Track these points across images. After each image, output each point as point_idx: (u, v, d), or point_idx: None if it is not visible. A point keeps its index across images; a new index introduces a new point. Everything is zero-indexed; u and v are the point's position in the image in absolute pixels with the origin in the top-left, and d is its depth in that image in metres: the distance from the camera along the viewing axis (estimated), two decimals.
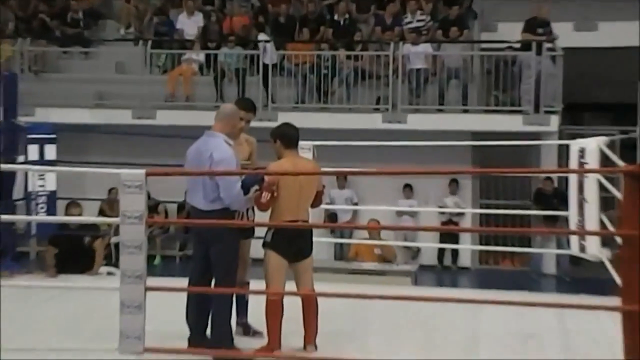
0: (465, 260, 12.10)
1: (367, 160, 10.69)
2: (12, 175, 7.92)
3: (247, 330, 5.33)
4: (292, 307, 4.93)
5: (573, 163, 6.30)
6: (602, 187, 5.89)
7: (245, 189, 4.80)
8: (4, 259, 7.53)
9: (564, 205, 6.88)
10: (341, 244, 11.34)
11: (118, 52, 13.13)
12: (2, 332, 4.63)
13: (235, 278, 4.92)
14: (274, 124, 5.35)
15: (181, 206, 11.93)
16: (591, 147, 6.01)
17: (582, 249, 6.19)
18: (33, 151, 8.18)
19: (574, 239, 6.46)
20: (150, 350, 4.18)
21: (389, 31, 12.36)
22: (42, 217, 8.08)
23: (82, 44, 13.37)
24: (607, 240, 6.16)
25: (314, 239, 5.07)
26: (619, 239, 3.51)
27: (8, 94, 8.17)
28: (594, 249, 6.04)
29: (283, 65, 12.09)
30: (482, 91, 11.72)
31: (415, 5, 12.33)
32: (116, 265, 7.09)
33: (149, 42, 12.26)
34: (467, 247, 11.79)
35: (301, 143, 5.39)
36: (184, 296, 5.00)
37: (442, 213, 11.95)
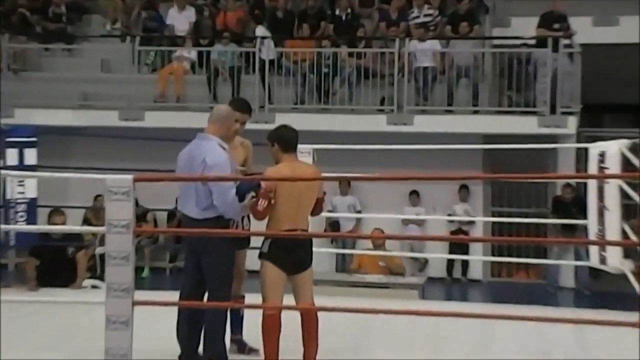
0: (476, 272, 12.09)
1: (371, 164, 10.72)
2: None
3: (242, 347, 5.32)
4: (291, 322, 4.92)
5: (592, 168, 6.29)
6: (623, 194, 5.89)
7: (241, 195, 4.80)
8: None
9: (583, 213, 6.87)
10: (343, 255, 11.33)
11: (104, 49, 13.12)
12: None
13: (230, 291, 4.91)
14: (271, 126, 5.35)
15: (171, 214, 11.93)
16: (612, 150, 6.00)
17: (603, 260, 6.18)
18: (12, 155, 8.16)
19: (593, 250, 6.44)
20: None
21: (394, 27, 12.37)
22: (22, 227, 8.06)
23: (65, 40, 13.39)
24: (629, 251, 6.15)
25: (314, 249, 5.06)
26: None
27: None
28: (615, 261, 6.03)
29: (281, 64, 12.10)
30: (494, 91, 11.73)
31: None
32: (101, 277, 7.07)
33: (137, 39, 12.27)
34: (478, 258, 11.77)
35: (300, 146, 5.39)
36: (174, 311, 4.99)
37: (451, 221, 11.94)
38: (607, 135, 9.79)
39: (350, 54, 11.89)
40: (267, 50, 11.80)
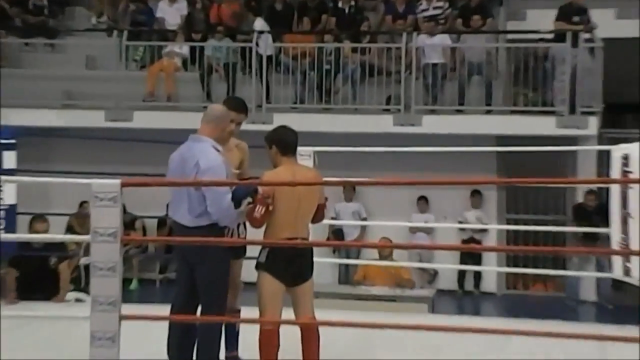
0: (489, 284, 12.08)
1: (376, 168, 10.71)
2: None
3: None
4: (290, 338, 4.91)
5: (615, 172, 6.29)
6: None
7: (237, 201, 4.80)
8: None
9: (607, 222, 6.86)
10: (347, 266, 11.32)
11: (89, 44, 13.14)
12: None
13: (225, 305, 4.91)
14: (269, 127, 5.36)
15: (162, 222, 11.93)
16: (636, 153, 6.00)
17: (626, 271, 6.17)
18: None
19: (616, 260, 6.44)
20: None
21: (400, 20, 12.39)
22: (0, 235, 8.06)
23: (47, 34, 13.40)
24: None
25: (315, 259, 5.07)
26: None
27: None
28: None
29: (280, 60, 12.10)
30: (509, 89, 11.73)
31: None
32: (86, 290, 7.08)
33: (125, 33, 12.28)
34: (491, 269, 11.76)
35: (300, 149, 5.39)
36: (165, 326, 4.99)
37: (463, 230, 11.94)
38: (630, 136, 9.76)
39: (354, 50, 11.90)
40: (265, 46, 11.81)
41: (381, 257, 9.61)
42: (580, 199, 11.40)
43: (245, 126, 5.39)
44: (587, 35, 11.21)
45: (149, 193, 8.65)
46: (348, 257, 11.77)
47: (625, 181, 6.11)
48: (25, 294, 7.66)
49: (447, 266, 11.57)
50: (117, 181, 4.21)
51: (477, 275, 12.03)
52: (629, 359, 5.38)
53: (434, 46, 11.70)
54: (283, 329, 4.91)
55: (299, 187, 4.93)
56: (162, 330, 4.98)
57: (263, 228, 4.91)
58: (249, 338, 5.06)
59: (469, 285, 12.12)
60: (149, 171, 8.47)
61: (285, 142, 5.04)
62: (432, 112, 11.56)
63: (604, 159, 10.05)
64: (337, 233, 12.02)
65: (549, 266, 11.42)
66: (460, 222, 11.86)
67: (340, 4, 12.55)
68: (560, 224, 11.35)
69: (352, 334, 5.72)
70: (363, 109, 11.70)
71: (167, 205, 5.34)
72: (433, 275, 12.01)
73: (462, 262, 11.65)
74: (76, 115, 12.06)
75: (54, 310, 7.22)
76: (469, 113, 11.56)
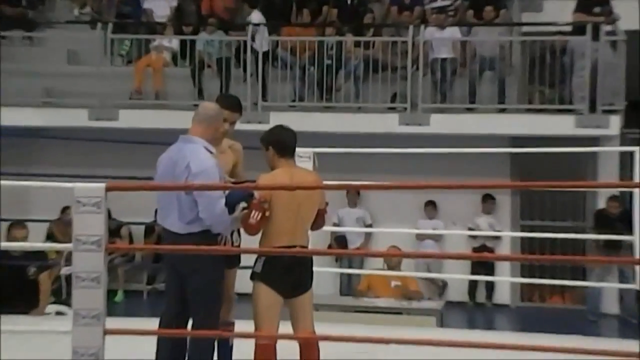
0: (503, 295, 12.09)
1: (381, 171, 10.73)
2: None
3: None
4: (288, 353, 4.91)
5: (639, 175, 6.28)
6: None
7: (231, 207, 4.80)
8: None
9: (630, 229, 6.86)
10: (350, 276, 11.33)
11: (71, 37, 13.15)
12: None
13: (218, 318, 4.92)
14: (265, 127, 5.36)
15: (150, 229, 11.93)
16: None
17: None
18: None
19: None
20: None
21: (407, 12, 12.39)
22: None
23: (25, 27, 13.39)
24: None
25: (315, 268, 5.07)
26: None
27: None
28: None
29: (277, 55, 12.12)
30: (524, 86, 11.74)
31: None
32: (67, 302, 7.08)
33: (110, 26, 12.27)
34: (505, 280, 11.77)
35: (299, 150, 5.40)
36: (153, 341, 4.98)
37: (474, 237, 11.94)
38: None
39: (357, 44, 11.91)
40: (262, 40, 11.81)
41: (389, 268, 9.60)
42: (601, 204, 11.39)
43: (239, 126, 5.39)
44: (608, 28, 11.20)
45: (136, 198, 8.70)
46: (351, 266, 11.78)
47: None
48: (1, 307, 7.65)
49: (457, 276, 11.57)
50: (101, 185, 4.21)
51: (490, 286, 12.02)
52: None
53: (443, 40, 11.70)
54: (280, 344, 4.91)
55: (298, 191, 4.94)
56: (149, 345, 4.97)
57: (259, 235, 4.91)
58: (243, 353, 5.06)
59: (481, 297, 12.12)
60: (135, 174, 8.44)
61: (282, 143, 5.04)
62: (441, 110, 11.56)
63: (626, 161, 10.06)
64: (339, 240, 12.02)
65: (568, 277, 11.42)
66: (471, 229, 11.85)
67: None
68: (580, 231, 11.34)
69: (355, 350, 5.71)
70: (366, 107, 11.71)
71: (156, 211, 5.34)
72: (442, 286, 12.01)
73: (473, 272, 11.65)
74: (57, 114, 12.06)
75: (33, 324, 7.21)
76: (480, 112, 11.56)
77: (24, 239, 8.32)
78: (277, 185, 4.91)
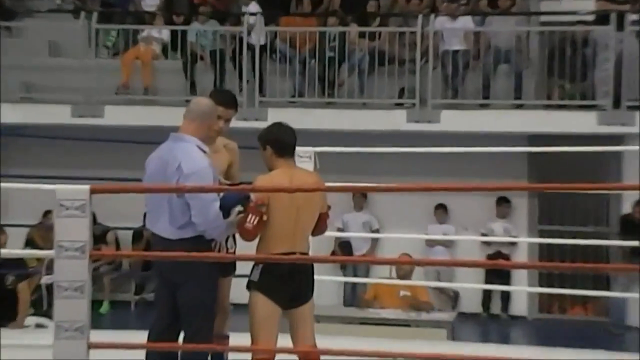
0: (519, 306, 12.09)
1: (387, 172, 10.74)
2: None
3: None
4: None
5: None
6: None
7: (225, 210, 4.81)
8: None
9: None
10: (354, 285, 11.34)
11: (52, 27, 13.17)
12: None
13: (211, 330, 4.92)
14: (263, 125, 5.37)
15: (138, 234, 11.93)
16: None
17: None
18: None
19: None
20: None
21: (416, 0, 12.40)
22: None
23: (3, 16, 13.40)
24: None
25: (317, 277, 5.07)
26: None
27: None
28: None
29: (275, 47, 12.12)
30: (542, 80, 11.74)
31: None
32: (48, 314, 7.09)
33: (94, 15, 12.28)
34: (521, 289, 11.76)
35: (299, 149, 5.41)
36: (141, 355, 4.99)
37: (488, 243, 11.94)
38: None
39: (362, 35, 11.92)
40: (259, 31, 11.81)
41: (399, 277, 9.59)
42: (627, 208, 11.38)
43: (235, 123, 5.40)
44: (634, 17, 11.20)
45: (123, 201, 8.67)
46: (356, 274, 11.78)
47: None
48: None
49: (470, 285, 11.57)
50: (85, 187, 4.21)
51: (505, 297, 12.02)
52: None
53: (454, 30, 11.70)
54: (279, 358, 4.92)
55: (298, 193, 4.94)
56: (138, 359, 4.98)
57: (256, 241, 4.92)
58: None
59: (496, 308, 12.12)
60: (123, 176, 8.46)
61: (281, 142, 5.05)
62: (452, 107, 11.56)
63: None
64: (344, 246, 12.03)
65: (590, 286, 11.41)
66: (485, 235, 11.87)
67: None
68: (603, 237, 11.34)
69: None
70: (372, 103, 11.72)
71: (145, 215, 5.35)
72: (453, 296, 12.01)
73: (487, 281, 11.66)
74: (38, 111, 12.07)
75: (11, 337, 7.21)
76: (495, 108, 11.57)
77: (2, 245, 8.33)
78: (276, 188, 4.92)
